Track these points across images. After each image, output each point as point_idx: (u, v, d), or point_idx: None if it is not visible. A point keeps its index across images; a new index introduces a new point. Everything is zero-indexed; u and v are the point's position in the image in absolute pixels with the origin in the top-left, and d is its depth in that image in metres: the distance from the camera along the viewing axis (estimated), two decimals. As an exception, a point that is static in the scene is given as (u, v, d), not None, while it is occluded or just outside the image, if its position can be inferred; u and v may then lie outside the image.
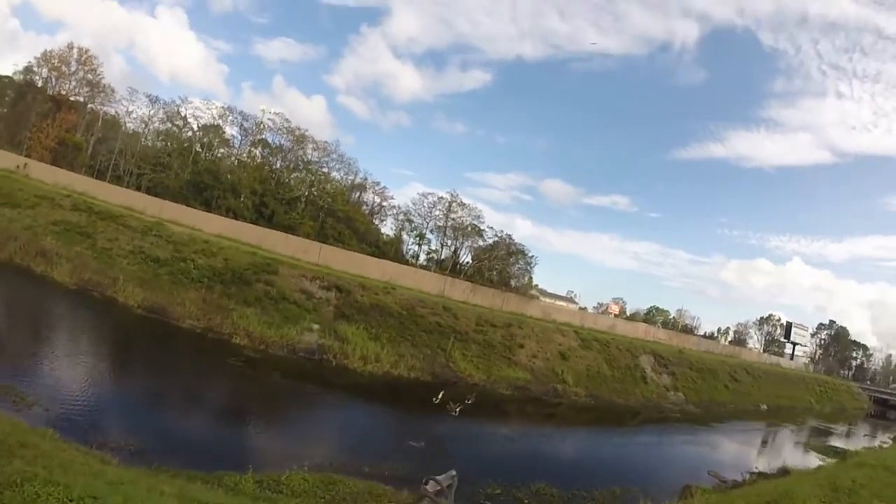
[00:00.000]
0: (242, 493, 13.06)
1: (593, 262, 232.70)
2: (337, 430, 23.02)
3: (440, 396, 29.77)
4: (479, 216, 70.59)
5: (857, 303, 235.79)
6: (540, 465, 23.46)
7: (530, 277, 72.03)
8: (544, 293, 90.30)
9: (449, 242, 71.69)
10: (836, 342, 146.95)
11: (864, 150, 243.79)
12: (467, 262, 69.55)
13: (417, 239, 74.59)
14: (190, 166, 63.99)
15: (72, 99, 71.10)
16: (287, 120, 70.20)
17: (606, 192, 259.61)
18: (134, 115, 74.06)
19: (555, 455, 27.40)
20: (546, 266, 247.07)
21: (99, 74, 73.48)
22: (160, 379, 22.97)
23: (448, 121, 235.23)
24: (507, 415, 34.85)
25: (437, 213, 70.36)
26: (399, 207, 74.99)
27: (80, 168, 62.72)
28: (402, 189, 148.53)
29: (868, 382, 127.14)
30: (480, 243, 69.28)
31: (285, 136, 69.50)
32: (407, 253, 73.70)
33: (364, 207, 74.63)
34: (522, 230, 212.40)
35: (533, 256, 69.38)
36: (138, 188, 59.54)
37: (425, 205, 70.87)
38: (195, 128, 71.34)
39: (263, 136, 71.14)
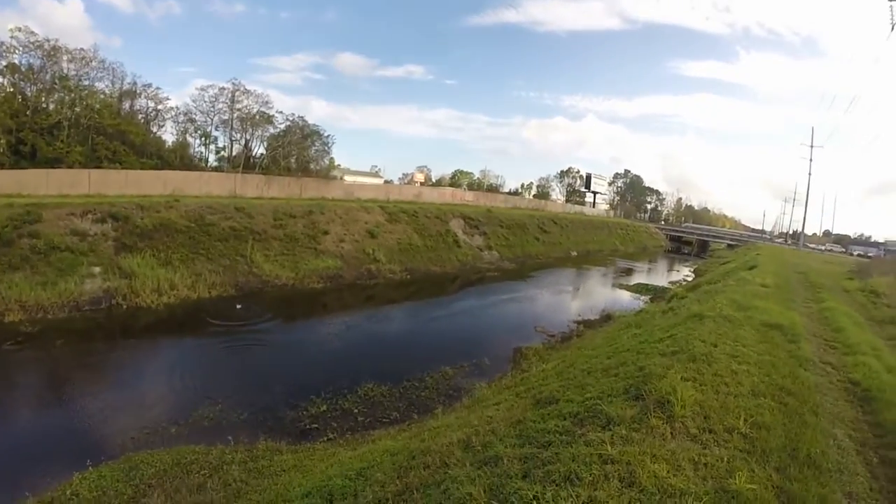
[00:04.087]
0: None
1: (394, 135, 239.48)
2: (132, 393, 20.05)
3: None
4: (266, 102, 66.86)
5: (649, 154, 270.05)
6: (365, 363, 23.22)
7: (331, 158, 71.80)
8: (348, 172, 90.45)
9: (238, 136, 67.49)
10: (632, 189, 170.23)
11: (653, 19, 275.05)
12: (261, 154, 66.96)
13: (203, 139, 69.68)
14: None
15: None
16: (32, 32, 57.99)
17: (401, 63, 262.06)
18: None
19: (379, 346, 27.24)
20: (348, 144, 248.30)
21: None
22: None
23: (225, 2, 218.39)
24: (324, 309, 34.54)
25: (221, 106, 65.13)
26: (178, 108, 68.09)
27: None
28: (186, 89, 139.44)
29: (663, 223, 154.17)
30: (272, 131, 66.74)
31: (34, 52, 58.13)
32: (195, 157, 68.66)
33: (140, 117, 66.48)
34: (318, 111, 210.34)
35: (329, 136, 68.78)
36: None
37: (206, 99, 65.38)
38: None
39: (13, 61, 58.20)
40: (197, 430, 16.40)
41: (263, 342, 26.84)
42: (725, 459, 6.75)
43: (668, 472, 6.18)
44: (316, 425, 16.95)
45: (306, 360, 24.61)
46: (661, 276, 64.75)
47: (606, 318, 31.33)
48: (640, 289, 47.55)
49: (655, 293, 43.91)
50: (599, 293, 45.72)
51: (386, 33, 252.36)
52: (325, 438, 15.89)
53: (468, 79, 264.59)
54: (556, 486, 5.94)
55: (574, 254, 72.52)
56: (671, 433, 7.43)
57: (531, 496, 5.68)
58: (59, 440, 16.01)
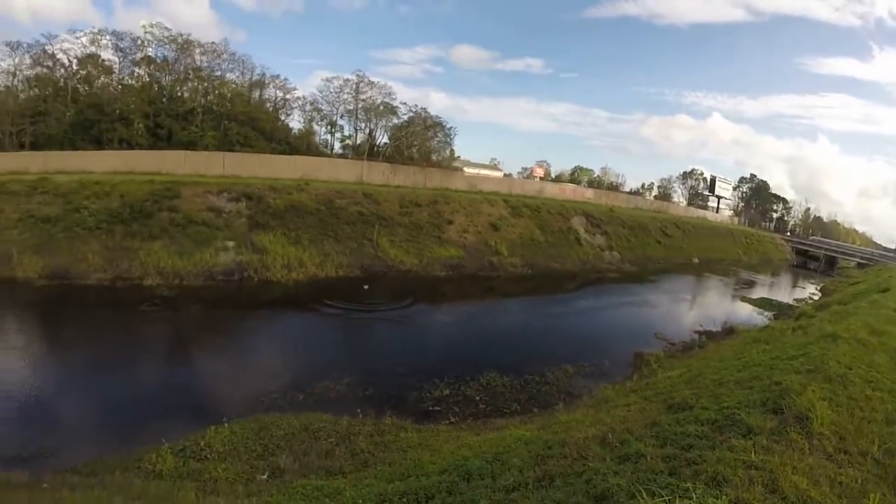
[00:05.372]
0: (161, 475, 11.16)
1: (512, 128, 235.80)
2: (263, 358, 20.60)
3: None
4: (390, 93, 67.40)
5: (775, 158, 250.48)
6: (486, 352, 22.88)
7: (451, 150, 71.00)
8: (468, 164, 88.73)
9: (362, 125, 68.78)
10: (758, 195, 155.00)
11: (780, 10, 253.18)
12: (384, 143, 67.15)
13: (329, 128, 72.15)
14: (71, 107, 57.26)
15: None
16: (167, 28, 62.20)
17: (519, 56, 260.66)
18: None
19: (500, 337, 26.48)
20: (465, 136, 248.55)
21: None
22: (65, 359, 19.45)
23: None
24: (445, 297, 34.28)
25: (346, 96, 66.96)
26: (305, 98, 71.04)
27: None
28: (307, 80, 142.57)
29: (788, 234, 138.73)
30: (395, 121, 66.70)
31: (168, 46, 62.18)
32: (321, 144, 70.94)
33: (268, 105, 69.64)
34: (437, 103, 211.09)
35: (452, 128, 67.58)
36: (21, 146, 53.35)
37: (332, 90, 67.44)
38: (66, 63, 62.81)
39: (147, 53, 62.60)
40: (324, 400, 16.57)
41: (387, 323, 26.84)
42: (859, 481, 6.68)
43: (807, 484, 6.24)
44: (438, 408, 16.97)
45: (429, 344, 24.48)
46: (786, 291, 60.02)
47: (730, 330, 29.49)
48: (763, 303, 44.06)
49: (780, 310, 40.84)
50: (721, 304, 43.03)
51: (503, 26, 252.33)
52: (448, 421, 15.89)
53: (587, 73, 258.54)
54: (705, 484, 6.04)
55: (696, 261, 68.59)
56: (809, 448, 7.47)
57: (683, 489, 5.80)
58: (193, 395, 16.64)
